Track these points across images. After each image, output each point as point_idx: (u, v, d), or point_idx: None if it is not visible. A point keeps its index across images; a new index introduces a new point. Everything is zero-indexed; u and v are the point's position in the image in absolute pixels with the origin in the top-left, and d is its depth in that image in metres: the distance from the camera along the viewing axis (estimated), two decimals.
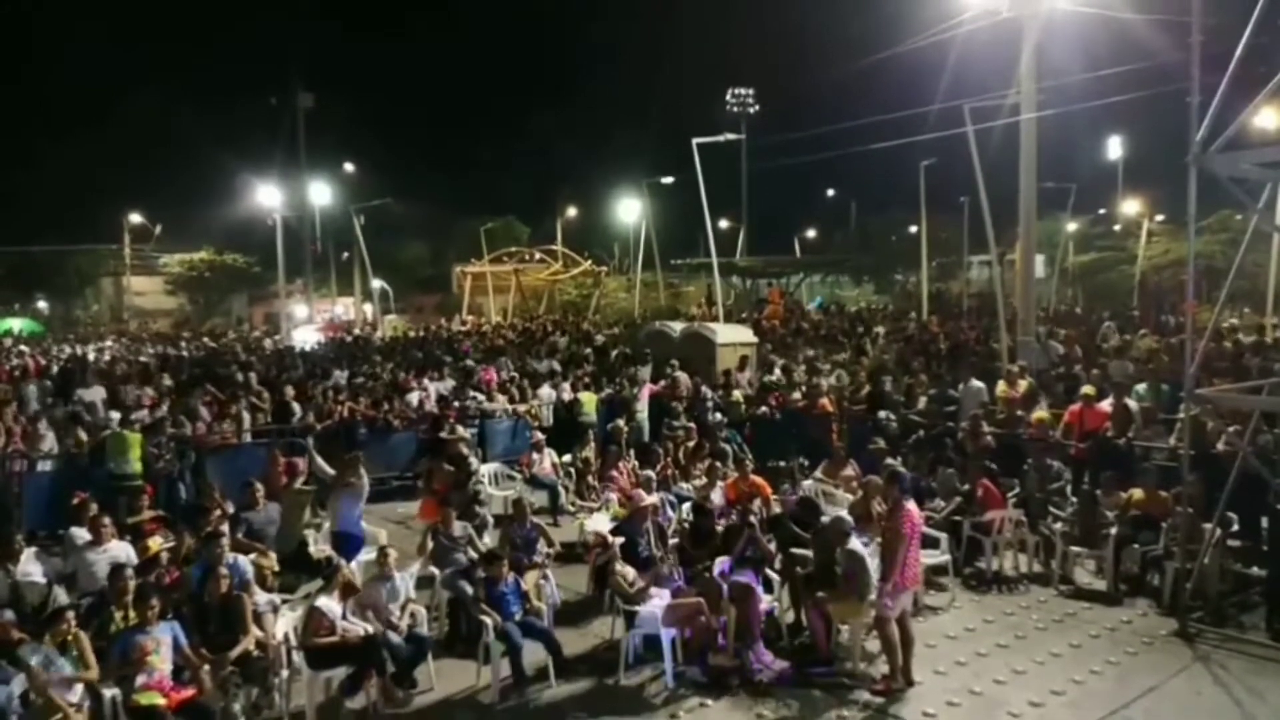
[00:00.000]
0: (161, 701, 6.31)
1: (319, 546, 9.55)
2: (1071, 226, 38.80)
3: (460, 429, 13.09)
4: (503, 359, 20.50)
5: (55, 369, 22.95)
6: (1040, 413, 12.32)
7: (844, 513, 8.30)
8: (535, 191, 60.87)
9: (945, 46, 18.25)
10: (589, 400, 15.54)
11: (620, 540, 8.83)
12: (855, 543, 7.76)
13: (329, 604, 7.19)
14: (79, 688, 6.29)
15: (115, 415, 12.82)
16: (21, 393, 16.43)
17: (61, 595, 7.50)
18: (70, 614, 6.55)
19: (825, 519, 9.43)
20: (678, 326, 20.77)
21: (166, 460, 12.02)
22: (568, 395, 16.35)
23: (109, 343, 37.16)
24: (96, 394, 15.62)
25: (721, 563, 8.52)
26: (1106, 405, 12.06)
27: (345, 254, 50.77)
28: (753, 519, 8.91)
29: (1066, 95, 18.89)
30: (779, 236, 58.80)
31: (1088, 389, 12.32)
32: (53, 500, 11.06)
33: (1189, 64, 8.46)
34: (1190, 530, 8.78)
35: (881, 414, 14.02)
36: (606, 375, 18.31)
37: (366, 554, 9.13)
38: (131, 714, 6.30)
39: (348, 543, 9.43)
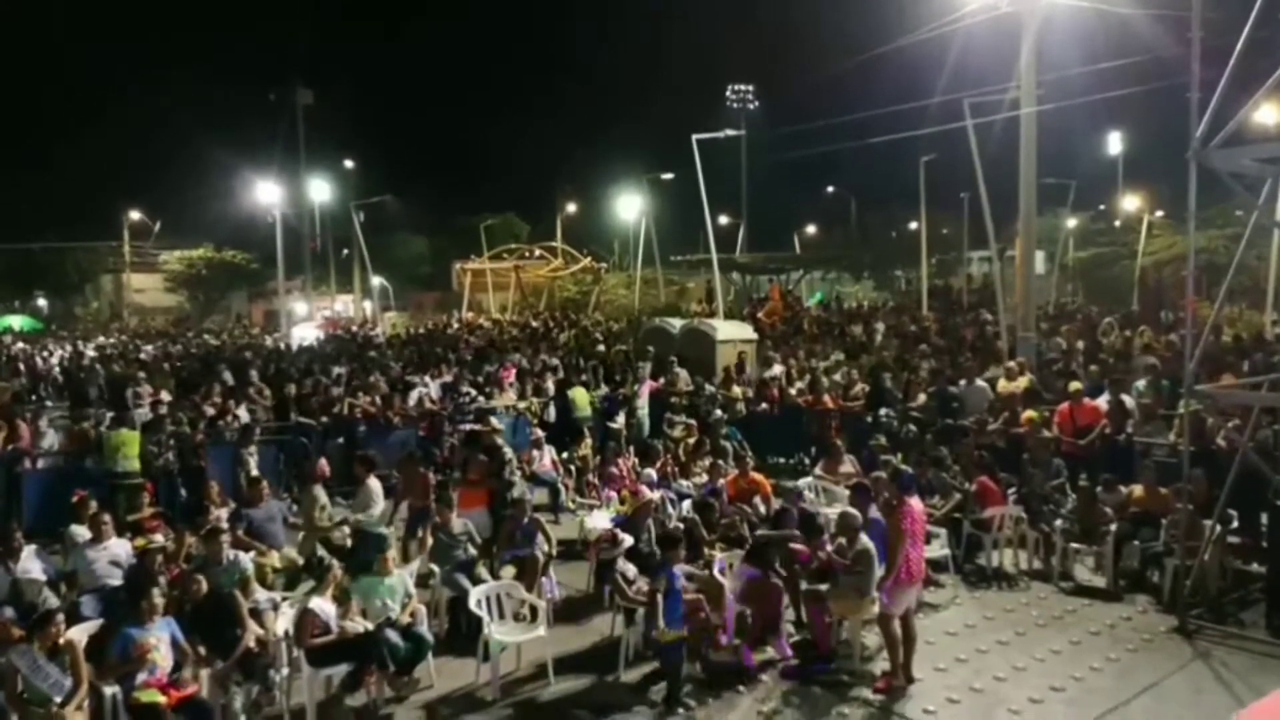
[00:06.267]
0: (162, 699, 6.30)
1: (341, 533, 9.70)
2: (1072, 222, 38.71)
3: (494, 420, 13.14)
4: (515, 355, 20.57)
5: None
6: (1029, 412, 12.31)
7: (850, 509, 8.30)
8: (535, 188, 60.84)
9: (945, 41, 18.22)
10: (582, 397, 15.49)
11: (630, 539, 8.82)
12: (865, 539, 7.76)
13: (321, 605, 7.18)
14: (68, 689, 6.20)
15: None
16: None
17: (51, 598, 7.48)
18: (59, 618, 6.48)
19: (828, 514, 9.45)
20: (677, 323, 20.76)
21: (166, 458, 12.03)
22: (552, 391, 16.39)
23: (112, 339, 37.17)
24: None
25: (719, 560, 8.52)
26: (1102, 402, 12.06)
27: (345, 251, 50.77)
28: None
29: (1066, 90, 18.87)
30: (779, 233, 58.78)
31: (1075, 386, 12.31)
32: (52, 498, 11.06)
33: (1189, 59, 8.44)
34: (1190, 527, 8.77)
35: (882, 411, 14.03)
36: (607, 373, 18.31)
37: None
38: (132, 712, 6.30)
39: (369, 539, 9.45)
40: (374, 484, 10.03)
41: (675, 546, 7.59)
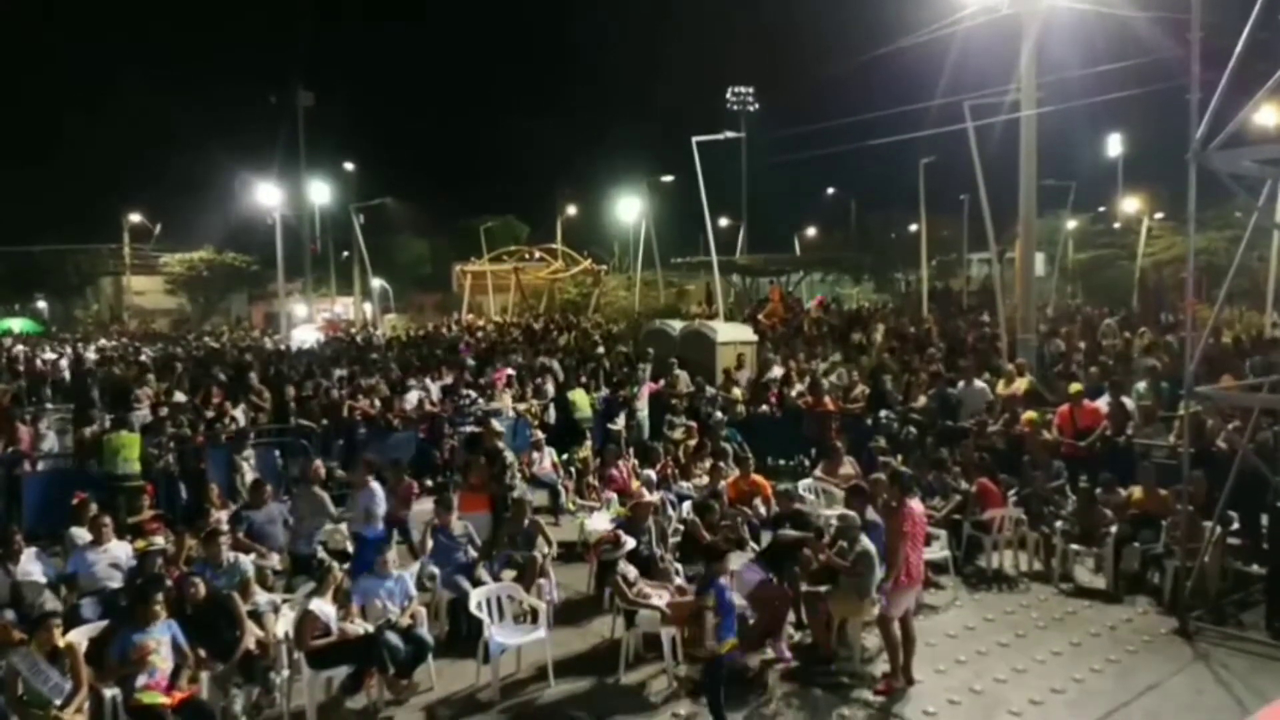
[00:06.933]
0: (164, 700, 6.30)
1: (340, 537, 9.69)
2: (1071, 224, 38.75)
3: (495, 424, 13.19)
4: (512, 356, 20.54)
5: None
6: (1029, 413, 12.29)
7: (849, 511, 8.29)
8: (535, 190, 60.85)
9: (945, 43, 18.24)
10: (582, 399, 15.47)
11: (632, 541, 8.82)
12: (866, 541, 7.76)
13: (321, 606, 7.18)
14: (68, 692, 6.19)
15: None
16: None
17: (51, 601, 7.48)
18: (56, 620, 6.46)
19: (826, 516, 9.46)
20: (678, 325, 20.76)
21: (167, 461, 12.02)
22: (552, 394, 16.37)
23: (113, 342, 37.17)
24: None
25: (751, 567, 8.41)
26: (1102, 403, 12.05)
27: (345, 253, 50.79)
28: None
29: (1066, 92, 18.87)
30: (779, 235, 58.77)
31: (1076, 387, 12.30)
32: (52, 500, 11.05)
33: (1189, 60, 8.45)
34: (1190, 528, 8.77)
35: (882, 413, 14.03)
36: (606, 376, 18.29)
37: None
38: (132, 714, 6.29)
39: (368, 541, 9.52)
40: (376, 487, 10.04)
41: (722, 559, 7.20)
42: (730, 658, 6.86)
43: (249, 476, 11.09)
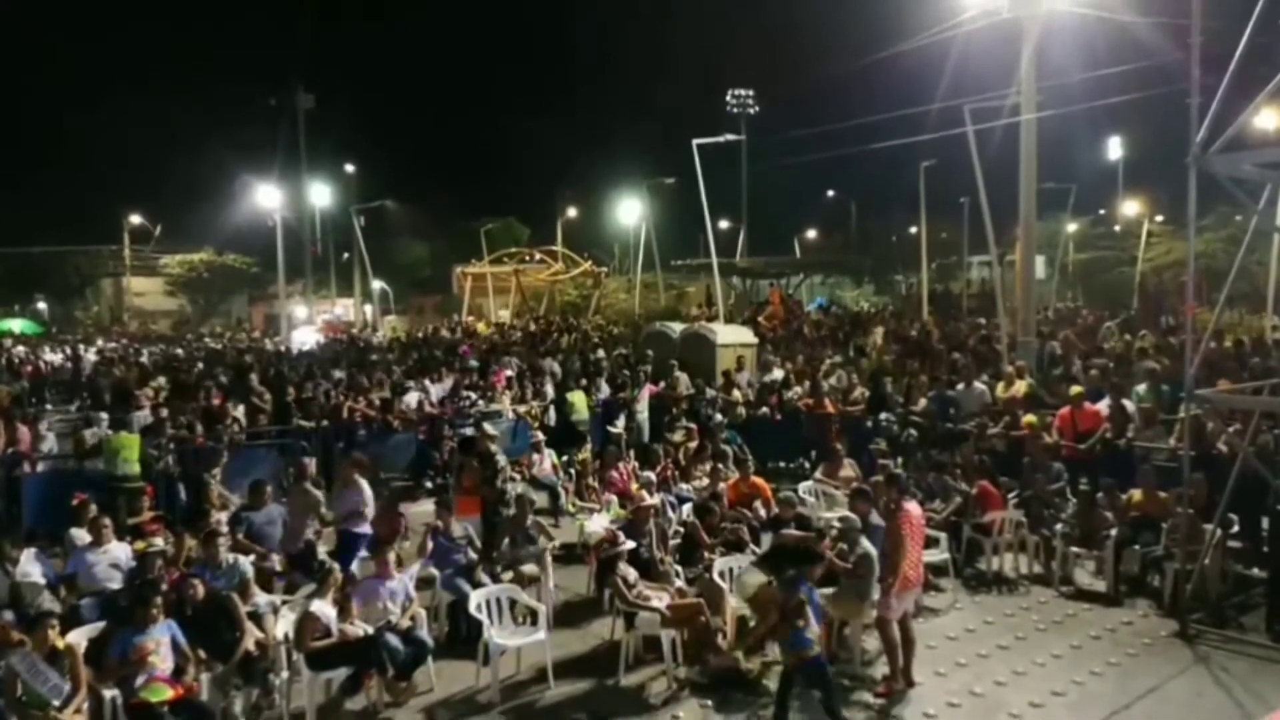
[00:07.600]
0: (170, 694, 6.28)
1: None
2: (1071, 227, 38.80)
3: (488, 427, 13.10)
4: (511, 358, 20.55)
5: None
6: (1029, 416, 12.29)
7: (850, 513, 8.28)
8: (535, 192, 60.92)
9: (945, 47, 18.30)
10: (580, 400, 15.44)
11: (631, 543, 8.81)
12: (866, 543, 7.76)
13: (322, 608, 7.17)
14: (67, 693, 6.19)
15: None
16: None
17: (47, 601, 7.46)
18: (52, 620, 6.44)
19: (828, 518, 9.46)
20: (678, 327, 20.76)
21: (166, 462, 12.02)
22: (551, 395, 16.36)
23: (113, 344, 37.21)
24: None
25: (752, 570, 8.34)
26: (1103, 406, 12.05)
27: (345, 255, 50.87)
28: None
29: (1066, 96, 18.94)
30: (779, 237, 58.80)
31: (1076, 390, 12.28)
32: (52, 501, 11.04)
33: (1189, 64, 8.47)
34: (1191, 531, 8.77)
35: (883, 416, 14.02)
36: (608, 378, 18.27)
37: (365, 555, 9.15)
38: (131, 713, 6.28)
39: (354, 539, 9.51)
40: (364, 485, 9.99)
41: (815, 562, 6.93)
42: (820, 660, 6.61)
43: (214, 495, 10.73)
